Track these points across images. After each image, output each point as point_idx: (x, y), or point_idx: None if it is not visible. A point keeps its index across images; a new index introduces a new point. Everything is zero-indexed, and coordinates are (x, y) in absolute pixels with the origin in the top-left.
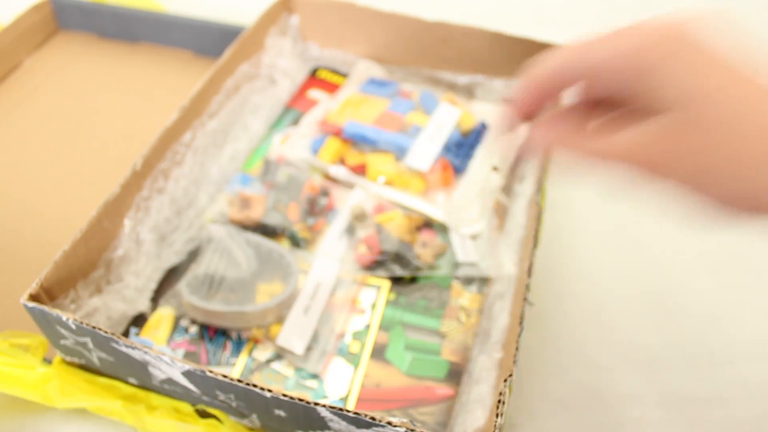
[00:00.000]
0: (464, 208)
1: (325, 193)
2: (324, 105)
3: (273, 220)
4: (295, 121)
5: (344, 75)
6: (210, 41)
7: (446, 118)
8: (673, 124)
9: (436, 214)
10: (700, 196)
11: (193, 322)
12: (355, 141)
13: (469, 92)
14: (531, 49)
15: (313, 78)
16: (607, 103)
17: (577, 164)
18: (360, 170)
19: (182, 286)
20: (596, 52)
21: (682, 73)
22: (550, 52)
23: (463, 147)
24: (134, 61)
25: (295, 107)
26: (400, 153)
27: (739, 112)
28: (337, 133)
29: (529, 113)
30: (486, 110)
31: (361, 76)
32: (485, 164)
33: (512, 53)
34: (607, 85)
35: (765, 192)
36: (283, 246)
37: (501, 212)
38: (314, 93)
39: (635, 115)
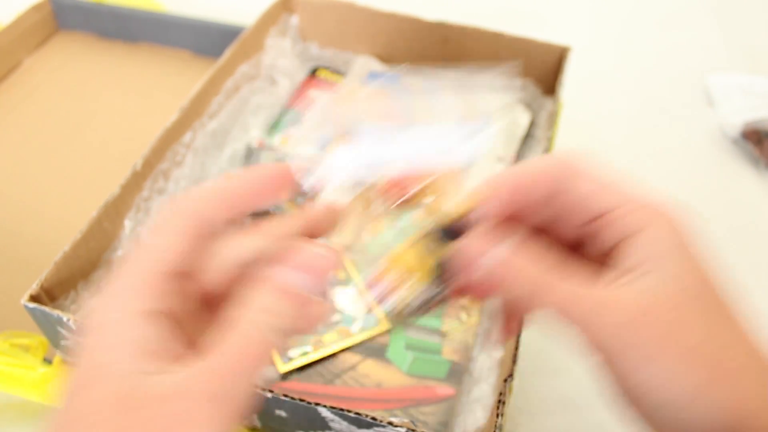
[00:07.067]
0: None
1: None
2: (325, 99)
3: None
4: (296, 122)
5: (344, 75)
6: (210, 41)
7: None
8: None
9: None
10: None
11: None
12: None
13: None
14: (531, 49)
15: (313, 78)
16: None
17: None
18: None
19: None
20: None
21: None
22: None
23: None
24: (134, 61)
25: (295, 107)
26: None
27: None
28: None
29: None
30: (485, 102)
31: (360, 71)
32: (490, 155)
33: (512, 53)
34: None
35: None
36: None
37: None
38: (314, 93)
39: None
